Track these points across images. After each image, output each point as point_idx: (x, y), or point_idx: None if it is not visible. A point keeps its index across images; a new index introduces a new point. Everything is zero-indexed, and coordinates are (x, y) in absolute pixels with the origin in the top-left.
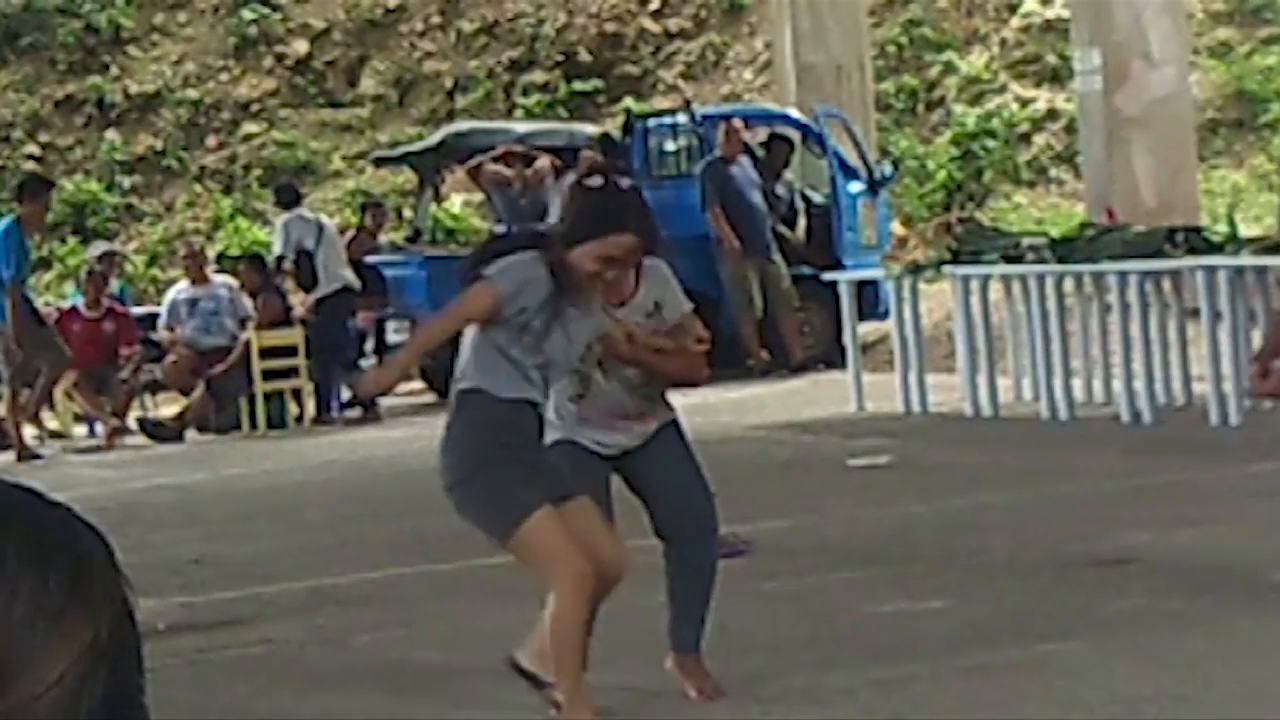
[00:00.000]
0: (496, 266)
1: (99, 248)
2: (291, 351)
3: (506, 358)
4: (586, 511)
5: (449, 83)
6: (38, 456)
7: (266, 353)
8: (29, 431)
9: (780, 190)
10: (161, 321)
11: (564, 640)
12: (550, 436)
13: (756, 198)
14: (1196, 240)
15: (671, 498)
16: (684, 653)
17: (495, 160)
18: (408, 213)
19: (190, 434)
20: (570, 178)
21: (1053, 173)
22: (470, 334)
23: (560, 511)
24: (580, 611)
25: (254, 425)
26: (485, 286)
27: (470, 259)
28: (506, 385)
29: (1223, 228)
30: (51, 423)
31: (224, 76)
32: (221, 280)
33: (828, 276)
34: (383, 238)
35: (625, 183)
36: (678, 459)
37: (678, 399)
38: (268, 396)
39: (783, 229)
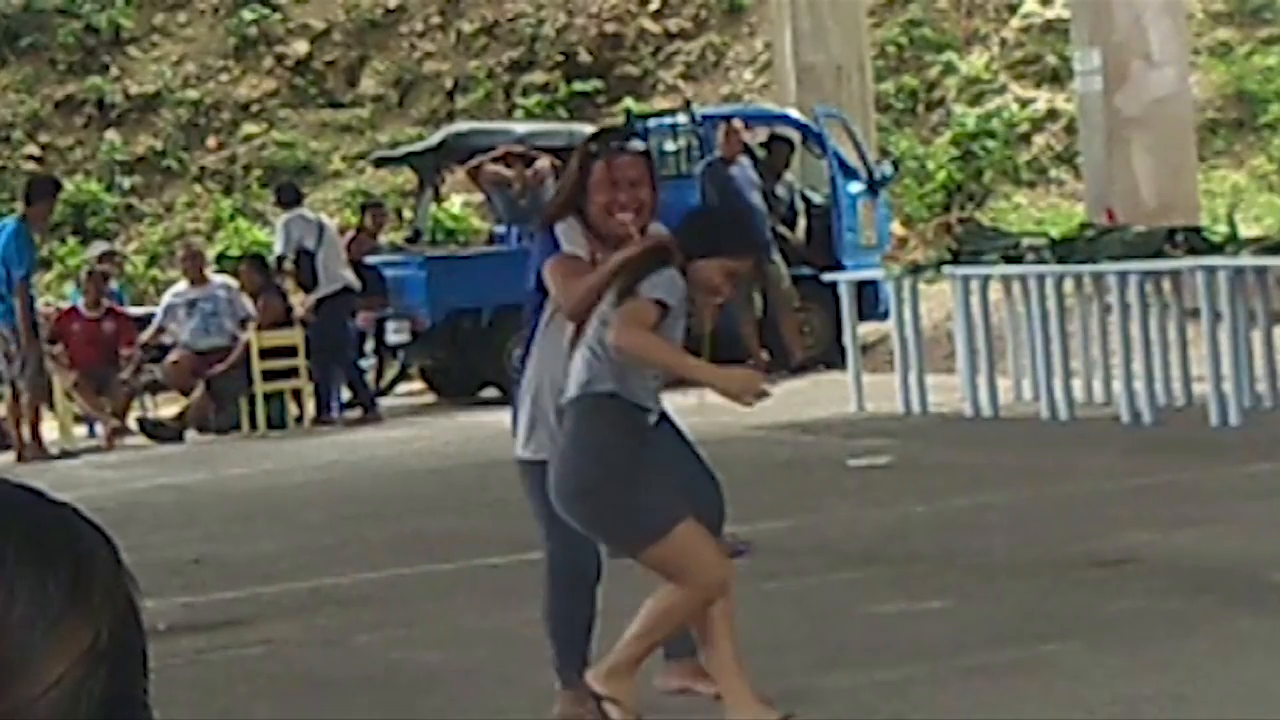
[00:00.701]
0: (657, 284)
1: (99, 248)
2: (291, 352)
3: (635, 368)
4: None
5: (449, 83)
6: (53, 456)
7: (266, 353)
8: (46, 436)
9: (780, 190)
10: (155, 323)
11: (658, 631)
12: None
13: (756, 198)
14: (1196, 240)
15: (678, 485)
16: (684, 657)
17: (495, 160)
18: (408, 213)
19: (190, 434)
20: None
21: (1053, 173)
22: (593, 335)
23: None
24: (691, 619)
25: (254, 425)
26: (651, 304)
27: (625, 275)
28: (636, 392)
29: (1223, 228)
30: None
31: (224, 77)
32: (220, 281)
33: (828, 277)
34: (383, 238)
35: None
36: (678, 446)
37: (678, 399)
38: (268, 397)
39: (783, 229)
